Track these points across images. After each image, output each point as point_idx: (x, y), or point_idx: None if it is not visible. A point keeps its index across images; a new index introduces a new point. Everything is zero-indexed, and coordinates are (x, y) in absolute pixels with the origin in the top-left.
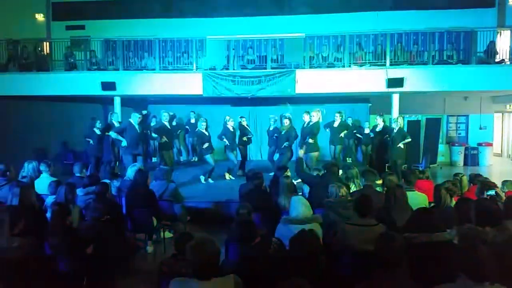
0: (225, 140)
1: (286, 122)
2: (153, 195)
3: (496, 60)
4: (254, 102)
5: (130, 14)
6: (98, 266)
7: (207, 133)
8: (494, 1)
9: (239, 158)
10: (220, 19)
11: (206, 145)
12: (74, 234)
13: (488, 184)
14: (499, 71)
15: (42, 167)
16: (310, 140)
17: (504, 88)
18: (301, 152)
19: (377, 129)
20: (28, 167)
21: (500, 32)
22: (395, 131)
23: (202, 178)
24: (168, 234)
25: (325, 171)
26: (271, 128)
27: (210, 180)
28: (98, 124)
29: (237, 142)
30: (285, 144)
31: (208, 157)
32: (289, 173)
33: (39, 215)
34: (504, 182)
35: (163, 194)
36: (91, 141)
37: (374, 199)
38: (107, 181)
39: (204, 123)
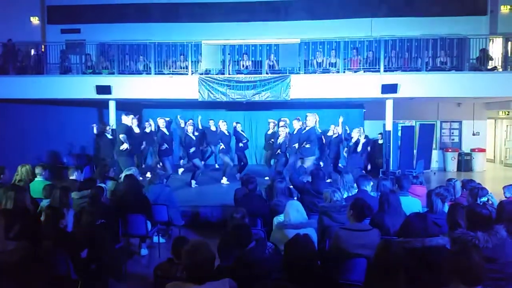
0: (221, 144)
1: (282, 131)
2: (146, 200)
3: (489, 67)
4: (249, 107)
5: (126, 18)
6: (92, 270)
7: (194, 137)
8: (486, 9)
9: (235, 162)
10: (216, 24)
11: (192, 149)
12: (68, 238)
13: (480, 190)
14: (491, 78)
15: (37, 170)
16: (307, 146)
17: (496, 95)
18: (307, 163)
19: (333, 137)
20: (21, 171)
21: (493, 39)
22: (353, 140)
23: (193, 182)
24: (162, 240)
25: (312, 176)
26: (269, 132)
27: (193, 182)
28: (109, 129)
29: (233, 149)
30: (278, 151)
31: (196, 161)
32: (284, 178)
33: (33, 218)
34: (508, 187)
35: (157, 198)
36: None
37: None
38: (102, 185)
39: (191, 127)
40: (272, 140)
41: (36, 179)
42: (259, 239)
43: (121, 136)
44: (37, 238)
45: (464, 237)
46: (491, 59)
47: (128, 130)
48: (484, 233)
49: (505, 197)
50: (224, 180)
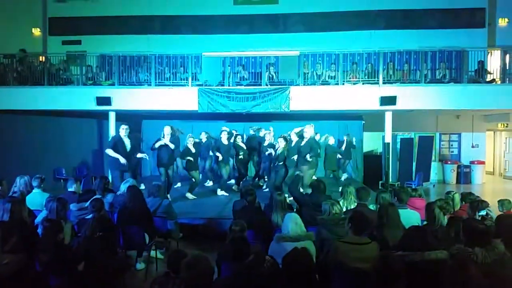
0: (218, 154)
1: (281, 142)
2: (149, 212)
3: (487, 80)
4: (249, 118)
5: (127, 30)
6: (89, 283)
7: (193, 150)
8: (484, 22)
9: (236, 174)
10: (216, 36)
11: (188, 158)
12: (65, 250)
13: (479, 204)
14: (490, 90)
15: (35, 182)
16: (309, 158)
17: (495, 107)
18: (304, 168)
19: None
20: (20, 182)
21: (491, 52)
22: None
23: (189, 195)
24: (159, 255)
25: (312, 189)
26: (265, 144)
27: (188, 195)
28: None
29: (233, 160)
30: (278, 163)
31: (193, 173)
32: (283, 191)
33: (30, 231)
34: (502, 202)
35: (156, 210)
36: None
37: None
38: (99, 196)
39: (192, 139)
40: (268, 152)
41: (34, 191)
42: (257, 253)
43: (107, 151)
44: (33, 250)
45: (462, 253)
46: (489, 73)
47: (115, 143)
48: (482, 249)
49: (499, 211)
50: (220, 192)
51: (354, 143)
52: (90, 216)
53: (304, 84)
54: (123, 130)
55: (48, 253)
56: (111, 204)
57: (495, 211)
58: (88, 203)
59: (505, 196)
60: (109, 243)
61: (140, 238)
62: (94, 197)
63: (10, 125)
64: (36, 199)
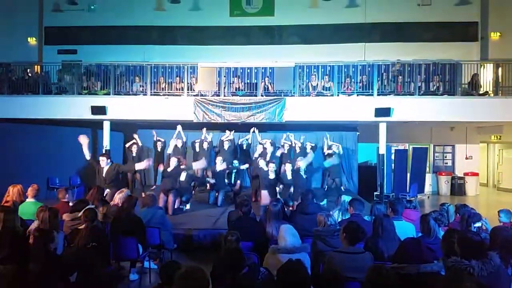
0: (210, 179)
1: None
2: (141, 222)
3: (480, 92)
4: (245, 128)
5: (123, 40)
6: None
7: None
8: (477, 35)
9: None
10: (212, 47)
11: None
12: (57, 261)
13: (474, 216)
14: (483, 103)
15: (28, 191)
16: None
17: (488, 119)
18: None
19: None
20: (12, 191)
21: (484, 65)
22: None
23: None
24: (153, 266)
25: (301, 199)
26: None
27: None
28: None
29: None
30: None
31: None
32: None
33: (22, 241)
34: (503, 211)
35: (150, 220)
36: None
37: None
38: (92, 206)
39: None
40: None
41: (27, 200)
42: (251, 264)
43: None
44: (25, 260)
45: (458, 266)
46: (480, 86)
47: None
48: (478, 261)
49: (500, 221)
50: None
51: (338, 150)
52: (83, 226)
53: (299, 95)
54: (103, 162)
55: (40, 263)
56: (105, 214)
57: (490, 223)
58: (81, 213)
59: (500, 208)
60: (102, 254)
61: (133, 249)
62: (87, 207)
63: (3, 133)
64: (29, 208)
